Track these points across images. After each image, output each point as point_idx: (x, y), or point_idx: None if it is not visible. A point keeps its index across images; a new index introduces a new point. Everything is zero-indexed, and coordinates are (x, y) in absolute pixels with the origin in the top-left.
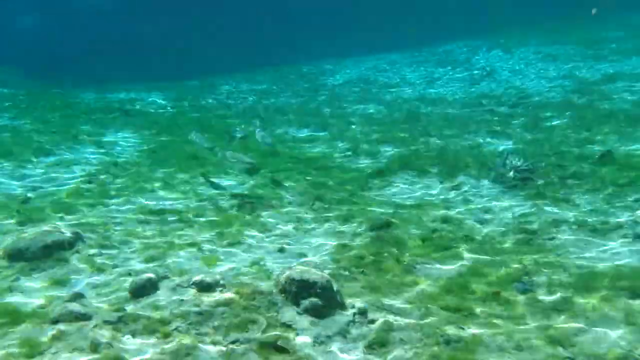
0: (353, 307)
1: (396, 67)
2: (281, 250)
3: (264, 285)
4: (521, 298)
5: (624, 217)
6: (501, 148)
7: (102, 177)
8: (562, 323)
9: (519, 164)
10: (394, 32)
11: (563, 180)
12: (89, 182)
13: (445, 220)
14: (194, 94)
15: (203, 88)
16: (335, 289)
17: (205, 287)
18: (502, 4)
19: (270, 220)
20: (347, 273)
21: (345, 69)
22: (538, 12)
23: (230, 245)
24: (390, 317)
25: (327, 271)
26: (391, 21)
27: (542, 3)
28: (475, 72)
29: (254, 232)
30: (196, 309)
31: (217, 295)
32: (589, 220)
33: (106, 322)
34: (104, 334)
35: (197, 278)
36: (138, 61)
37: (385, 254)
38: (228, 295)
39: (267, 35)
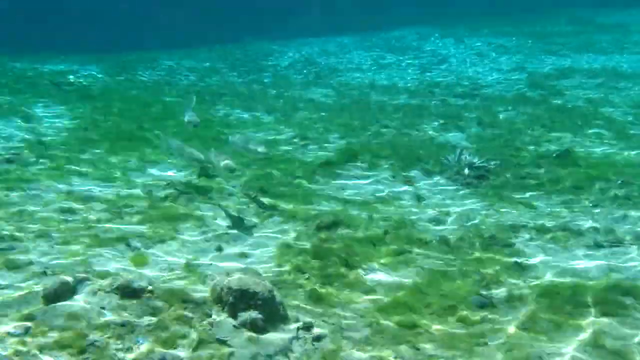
0: (297, 320)
1: (346, 51)
2: (219, 249)
3: (198, 293)
4: (480, 313)
5: (582, 222)
6: (454, 141)
7: (23, 156)
8: (525, 342)
9: (474, 160)
10: (343, 15)
11: (519, 179)
12: (8, 162)
13: (398, 220)
14: (133, 68)
15: (144, 62)
16: (277, 299)
17: (130, 293)
18: None
19: (208, 214)
20: (291, 278)
21: (293, 50)
22: (489, 3)
23: (163, 242)
24: (338, 335)
25: (269, 276)
26: (340, 3)
27: None
28: (427, 59)
29: (190, 228)
30: (118, 319)
31: (143, 303)
32: (548, 225)
33: (10, 335)
34: (7, 348)
35: (121, 282)
36: (77, 30)
37: (333, 258)
38: (156, 303)
39: (213, 12)
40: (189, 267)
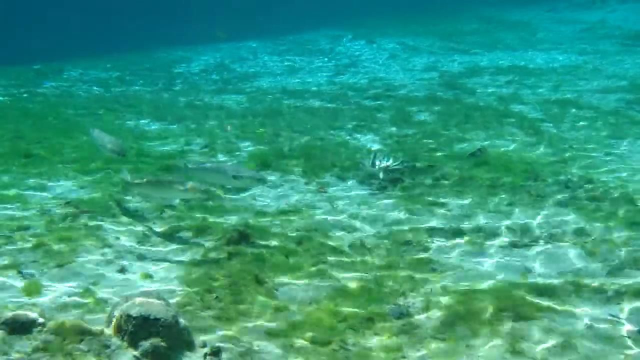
0: (204, 345)
1: (257, 56)
2: (122, 271)
3: (96, 322)
4: (397, 324)
5: (497, 222)
6: (369, 145)
7: None
8: (442, 355)
9: (388, 163)
10: (253, 19)
11: (434, 181)
12: None
13: (311, 229)
14: (34, 79)
15: (47, 73)
16: (182, 324)
17: (19, 328)
18: None
19: (110, 233)
20: (198, 299)
21: (203, 56)
22: (398, 3)
23: (60, 266)
24: (249, 358)
25: (174, 298)
26: (250, 7)
27: None
28: (339, 62)
29: (91, 249)
30: (4, 358)
31: (33, 338)
32: (463, 227)
33: None
34: None
35: (8, 315)
36: None
37: (244, 274)
38: (48, 337)
39: (121, 19)
40: (88, 294)
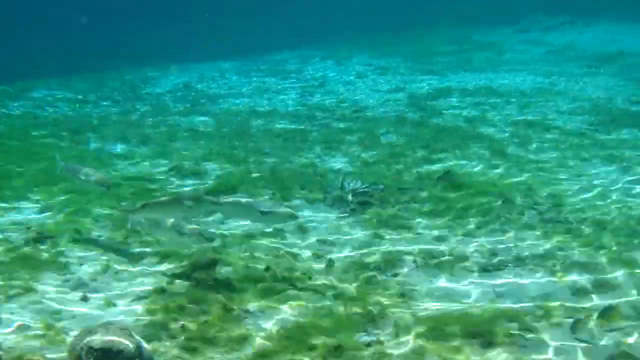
0: None
1: (226, 76)
2: (84, 299)
3: (56, 355)
4: (367, 352)
5: (466, 246)
6: (337, 167)
7: None
8: None
9: (357, 186)
10: (222, 40)
11: (403, 203)
12: None
13: (279, 254)
14: None
15: (11, 93)
16: (146, 355)
17: None
18: (334, 14)
19: (72, 260)
20: (163, 328)
21: (172, 76)
22: (368, 24)
23: (19, 295)
24: None
25: (138, 328)
26: (221, 27)
27: (373, 15)
28: (308, 83)
29: (51, 276)
30: None
31: None
32: (433, 251)
33: None
34: None
35: None
36: None
37: (210, 301)
38: None
39: (87, 39)
40: (47, 324)
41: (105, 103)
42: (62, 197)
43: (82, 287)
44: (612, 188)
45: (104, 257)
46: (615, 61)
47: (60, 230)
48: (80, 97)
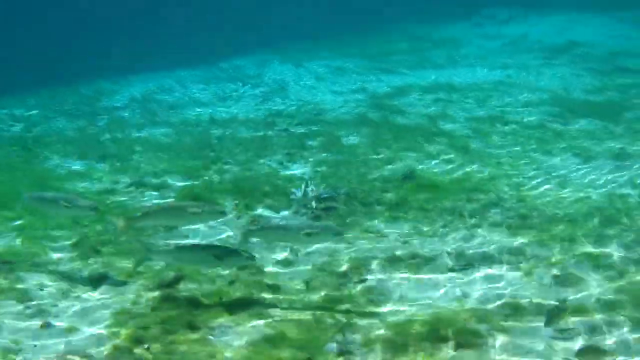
0: None
1: (184, 85)
2: (45, 326)
3: None
4: None
5: (433, 247)
6: (299, 173)
7: None
8: None
9: (320, 192)
10: (180, 47)
11: (368, 206)
12: None
13: (243, 267)
14: None
15: None
16: None
17: None
18: (287, 17)
19: (33, 285)
20: (127, 351)
21: (128, 87)
22: (326, 26)
23: None
24: None
25: (101, 352)
26: (177, 34)
27: (327, 16)
28: (267, 88)
29: (11, 303)
30: None
31: None
32: (399, 253)
33: None
34: None
35: None
36: None
37: (176, 320)
38: None
39: (40, 54)
40: (6, 353)
41: (62, 118)
42: (18, 221)
43: (44, 313)
44: (573, 178)
45: (66, 280)
46: (568, 51)
47: (19, 254)
48: (36, 111)
